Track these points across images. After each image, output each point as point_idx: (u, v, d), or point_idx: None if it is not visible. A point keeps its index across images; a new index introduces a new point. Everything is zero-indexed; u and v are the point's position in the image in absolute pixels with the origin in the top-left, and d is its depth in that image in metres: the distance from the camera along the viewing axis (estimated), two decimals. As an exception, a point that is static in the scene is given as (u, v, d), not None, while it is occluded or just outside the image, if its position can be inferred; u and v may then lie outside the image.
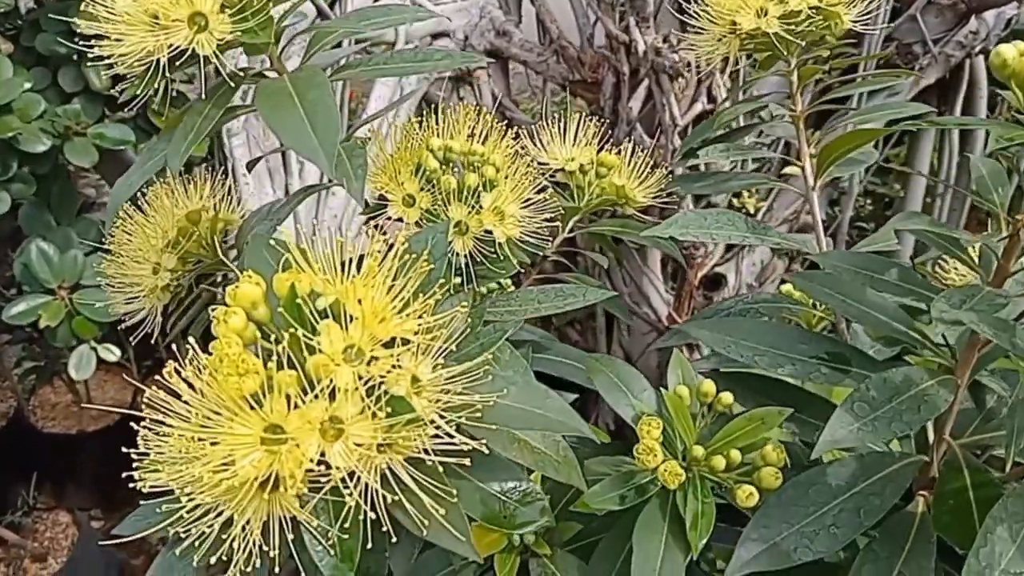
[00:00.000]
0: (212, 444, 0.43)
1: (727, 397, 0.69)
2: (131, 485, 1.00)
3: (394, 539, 0.47)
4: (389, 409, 0.44)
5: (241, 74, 0.61)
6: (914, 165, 2.39)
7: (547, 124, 0.80)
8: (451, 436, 0.47)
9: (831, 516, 0.68)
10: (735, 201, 2.29)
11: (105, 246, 0.76)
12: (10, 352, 2.18)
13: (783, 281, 1.79)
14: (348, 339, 0.46)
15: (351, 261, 0.48)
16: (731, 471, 0.68)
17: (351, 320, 0.46)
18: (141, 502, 0.84)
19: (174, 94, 1.56)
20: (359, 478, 0.44)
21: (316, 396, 0.44)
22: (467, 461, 0.48)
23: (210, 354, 0.45)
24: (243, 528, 0.45)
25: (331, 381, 0.44)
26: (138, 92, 0.57)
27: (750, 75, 1.26)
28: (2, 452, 1.94)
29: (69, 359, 1.52)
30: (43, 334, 1.98)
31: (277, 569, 0.45)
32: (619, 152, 0.83)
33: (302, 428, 0.43)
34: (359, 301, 0.47)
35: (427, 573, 0.73)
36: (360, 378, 0.45)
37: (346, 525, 0.45)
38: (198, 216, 0.77)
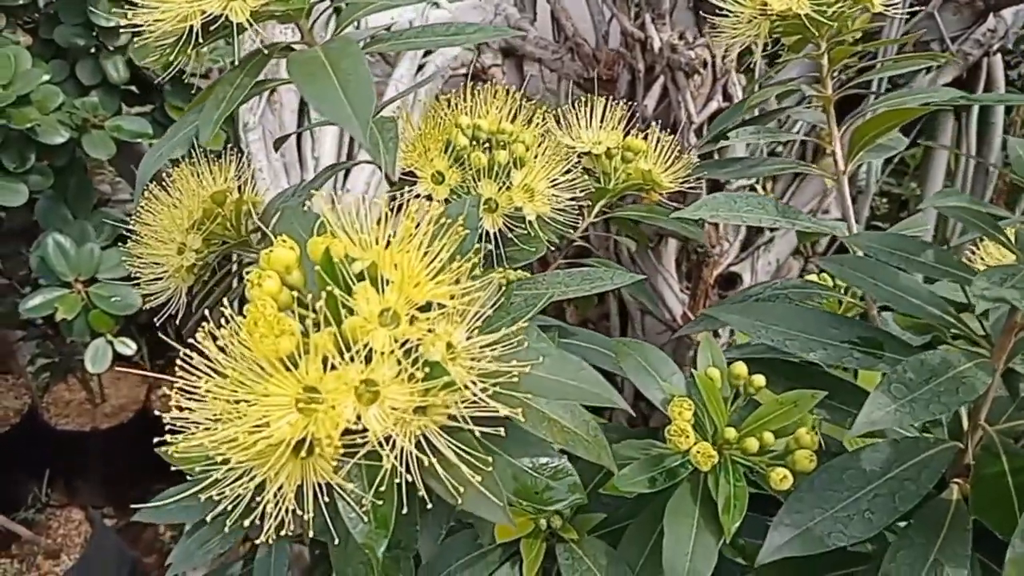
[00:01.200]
0: (248, 405, 0.42)
1: (759, 379, 0.68)
2: (144, 483, 0.99)
3: (428, 507, 0.46)
4: (426, 371, 0.44)
5: (270, 49, 0.61)
6: (930, 167, 2.37)
7: (574, 107, 0.80)
8: (486, 403, 0.46)
9: (866, 501, 0.66)
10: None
11: (120, 242, 0.75)
12: (24, 349, 2.18)
13: (802, 274, 1.77)
14: (384, 302, 0.45)
15: (385, 226, 0.48)
16: (763, 455, 0.67)
17: (386, 284, 0.45)
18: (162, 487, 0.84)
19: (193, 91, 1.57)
20: (394, 442, 0.43)
21: (352, 358, 0.43)
22: (502, 430, 0.47)
23: (244, 317, 0.44)
24: (276, 494, 0.44)
25: (367, 344, 0.44)
26: (171, 59, 0.56)
27: (766, 73, 1.25)
28: (16, 449, 1.94)
29: (84, 354, 1.52)
30: (58, 330, 1.99)
31: (307, 538, 0.44)
32: (645, 137, 0.82)
33: (338, 390, 0.42)
34: (395, 266, 0.46)
35: (453, 557, 0.72)
36: (396, 341, 0.44)
37: (381, 490, 0.44)
38: (223, 197, 0.77)
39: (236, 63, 0.57)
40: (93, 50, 1.41)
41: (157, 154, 0.59)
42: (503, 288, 0.63)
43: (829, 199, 2.13)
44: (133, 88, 1.57)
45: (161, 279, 0.75)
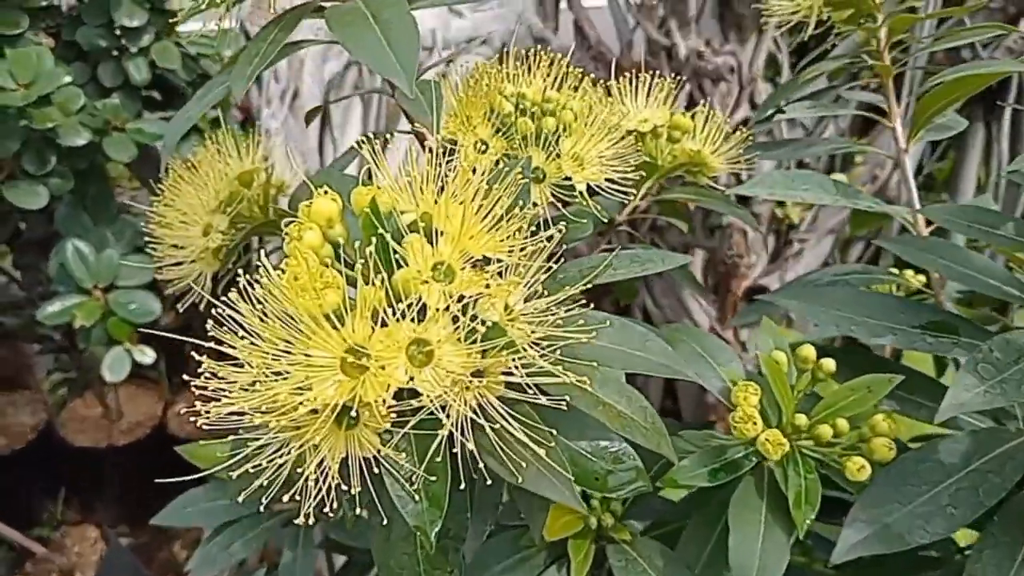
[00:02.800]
0: (290, 365, 0.37)
1: (828, 363, 0.63)
2: (160, 501, 0.94)
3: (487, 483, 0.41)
4: (484, 329, 0.39)
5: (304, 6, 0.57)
6: (960, 179, 2.32)
7: (618, 82, 0.76)
8: (547, 371, 0.41)
9: (946, 496, 0.61)
10: (777, 211, 2.23)
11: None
12: (41, 365, 2.15)
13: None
14: (437, 255, 0.40)
15: (434, 176, 0.43)
16: (833, 445, 0.61)
17: (439, 236, 0.41)
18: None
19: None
20: (448, 409, 0.39)
21: (403, 315, 0.39)
22: (563, 404, 0.43)
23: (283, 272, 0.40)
24: (317, 468, 0.39)
25: (419, 300, 0.39)
26: (201, 7, 0.52)
27: (791, 81, 1.21)
28: (32, 465, 1.90)
29: (102, 364, 1.48)
30: (74, 343, 1.96)
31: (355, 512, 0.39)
32: (693, 115, 0.78)
33: (388, 350, 0.38)
34: (447, 217, 0.42)
35: (494, 559, 0.67)
36: (450, 297, 0.40)
37: (433, 465, 0.40)
38: (250, 178, 0.73)
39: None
40: (115, 52, 1.39)
41: (186, 116, 0.56)
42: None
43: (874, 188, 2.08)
44: (155, 95, 1.55)
45: (184, 263, 0.71)
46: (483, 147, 0.61)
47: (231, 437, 0.41)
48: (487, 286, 0.41)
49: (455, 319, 0.39)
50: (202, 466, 0.85)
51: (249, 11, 1.54)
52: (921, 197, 0.81)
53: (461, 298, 0.40)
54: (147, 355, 1.48)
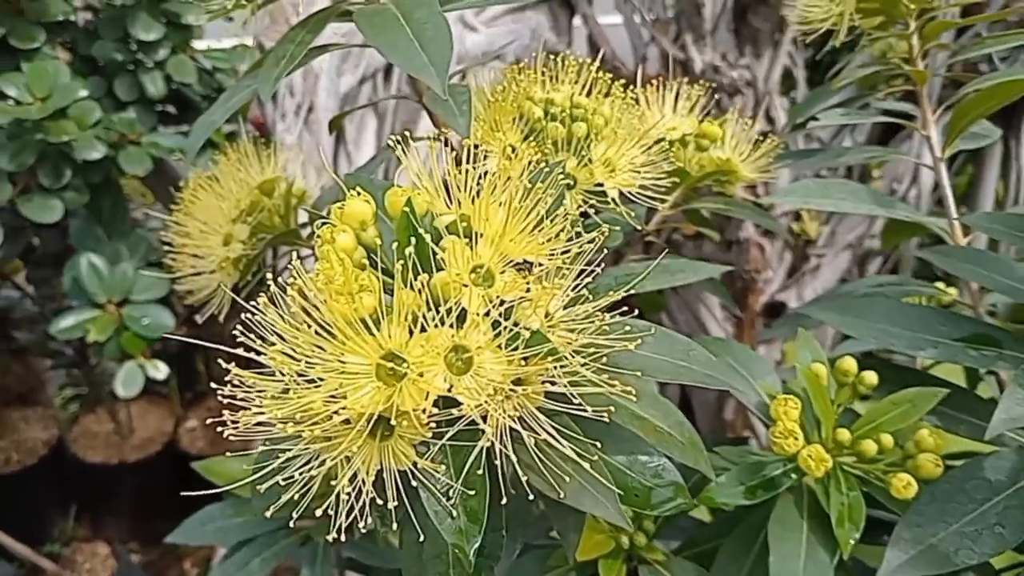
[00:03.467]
0: (324, 372, 0.36)
1: (870, 376, 0.61)
2: (171, 518, 0.92)
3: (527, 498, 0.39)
4: (528, 336, 0.37)
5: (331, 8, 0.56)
6: (978, 194, 2.30)
7: (645, 90, 0.74)
8: (589, 380, 0.39)
9: (994, 514, 0.59)
10: (794, 226, 2.21)
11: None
12: (53, 381, 2.14)
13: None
14: (476, 257, 0.39)
15: (471, 177, 0.42)
16: (875, 461, 0.59)
17: (478, 238, 0.39)
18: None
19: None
20: (488, 419, 0.37)
21: (441, 321, 0.37)
22: (605, 415, 0.41)
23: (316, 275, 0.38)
24: (351, 480, 0.37)
25: (458, 304, 0.37)
26: (228, 7, 0.51)
27: (808, 96, 1.20)
28: (43, 481, 1.89)
29: (114, 380, 1.47)
30: (87, 359, 1.95)
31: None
32: (722, 123, 0.76)
33: (427, 356, 0.36)
34: (486, 219, 0.40)
35: (523, 578, 0.65)
36: (490, 302, 0.38)
37: (471, 478, 0.37)
38: (272, 187, 0.72)
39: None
40: (131, 66, 1.39)
41: (211, 119, 0.54)
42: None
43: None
44: (170, 109, 1.54)
45: (203, 274, 0.70)
46: (512, 152, 0.59)
47: (253, 451, 0.39)
48: (528, 290, 0.39)
49: (495, 324, 0.38)
50: (221, 482, 0.83)
51: (266, 26, 1.53)
52: (936, 212, 0.79)
53: (501, 303, 0.38)
54: (160, 370, 1.46)
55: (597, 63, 0.64)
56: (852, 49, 0.88)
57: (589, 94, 0.63)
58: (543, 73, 0.64)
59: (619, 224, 0.58)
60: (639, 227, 0.64)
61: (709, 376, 0.45)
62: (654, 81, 0.73)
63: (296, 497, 0.37)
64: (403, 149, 0.43)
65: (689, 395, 2.02)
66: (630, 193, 0.59)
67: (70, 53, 1.42)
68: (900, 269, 2.29)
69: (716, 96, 1.95)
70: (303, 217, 0.77)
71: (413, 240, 0.37)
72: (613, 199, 0.59)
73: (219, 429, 0.39)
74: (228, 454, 0.41)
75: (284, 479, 0.37)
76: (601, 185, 0.59)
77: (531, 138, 0.60)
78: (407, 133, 0.51)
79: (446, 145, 0.62)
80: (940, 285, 0.84)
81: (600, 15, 2.09)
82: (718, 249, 2.05)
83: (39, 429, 1.99)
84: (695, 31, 1.94)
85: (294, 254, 0.49)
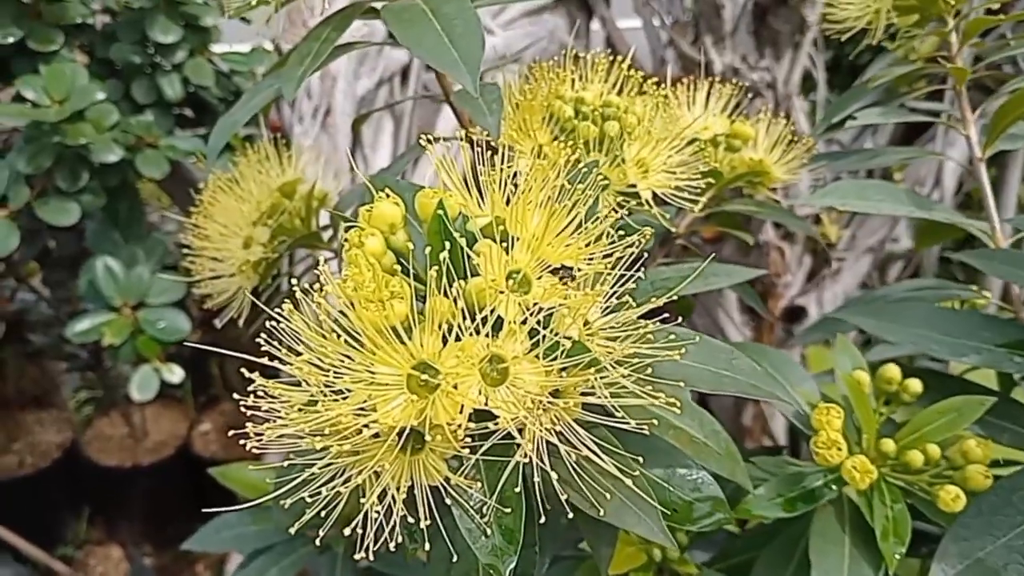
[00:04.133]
0: (352, 383, 0.34)
1: (915, 384, 0.58)
2: (184, 521, 0.90)
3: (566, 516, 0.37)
4: (566, 344, 0.35)
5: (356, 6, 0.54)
6: (1000, 197, 2.26)
7: (676, 88, 0.72)
8: (631, 392, 0.37)
9: (1046, 527, 0.56)
10: (815, 230, 2.18)
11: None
12: (68, 384, 2.14)
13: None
14: (512, 262, 0.37)
15: (505, 179, 0.40)
16: (921, 472, 0.57)
17: (514, 243, 0.37)
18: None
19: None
20: (524, 433, 0.35)
21: (476, 330, 0.35)
22: (650, 424, 0.39)
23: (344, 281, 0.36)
24: (380, 497, 0.35)
25: (493, 312, 0.35)
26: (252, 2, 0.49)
27: (842, 96, 1.17)
28: (56, 484, 1.88)
29: (129, 384, 1.46)
30: (101, 361, 1.94)
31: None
32: (755, 123, 0.74)
33: (461, 367, 0.34)
34: (521, 223, 0.38)
35: (549, 594, 0.63)
36: (527, 310, 0.36)
37: (506, 496, 0.36)
38: (293, 189, 0.70)
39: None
40: (149, 69, 1.38)
41: (232, 119, 0.53)
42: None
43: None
44: (188, 112, 1.54)
45: (222, 277, 0.68)
46: (541, 152, 0.58)
47: (268, 455, 0.37)
48: (566, 297, 0.37)
49: (532, 333, 0.36)
50: (237, 489, 0.82)
51: (284, 28, 1.52)
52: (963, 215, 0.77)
53: (539, 310, 0.36)
54: (175, 373, 1.45)
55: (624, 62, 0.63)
56: (878, 52, 0.86)
57: (620, 93, 0.61)
58: (571, 71, 0.62)
59: (652, 226, 0.56)
60: (672, 229, 0.61)
61: (753, 386, 0.43)
62: (684, 80, 0.71)
63: (323, 514, 0.36)
64: (432, 150, 0.41)
65: (707, 400, 2.00)
66: (663, 195, 0.57)
67: (88, 56, 1.41)
68: (922, 272, 2.26)
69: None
70: (323, 219, 0.75)
71: (447, 244, 0.36)
72: (647, 200, 0.57)
73: (236, 437, 0.37)
74: (243, 461, 0.39)
75: (310, 495, 0.35)
76: (634, 186, 0.57)
77: (561, 138, 0.58)
78: (435, 134, 0.49)
79: (471, 145, 0.60)
80: (976, 288, 0.81)
81: (618, 18, 2.07)
82: (737, 252, 2.03)
83: (53, 432, 1.98)
84: (715, 33, 1.91)
85: (314, 258, 0.47)
